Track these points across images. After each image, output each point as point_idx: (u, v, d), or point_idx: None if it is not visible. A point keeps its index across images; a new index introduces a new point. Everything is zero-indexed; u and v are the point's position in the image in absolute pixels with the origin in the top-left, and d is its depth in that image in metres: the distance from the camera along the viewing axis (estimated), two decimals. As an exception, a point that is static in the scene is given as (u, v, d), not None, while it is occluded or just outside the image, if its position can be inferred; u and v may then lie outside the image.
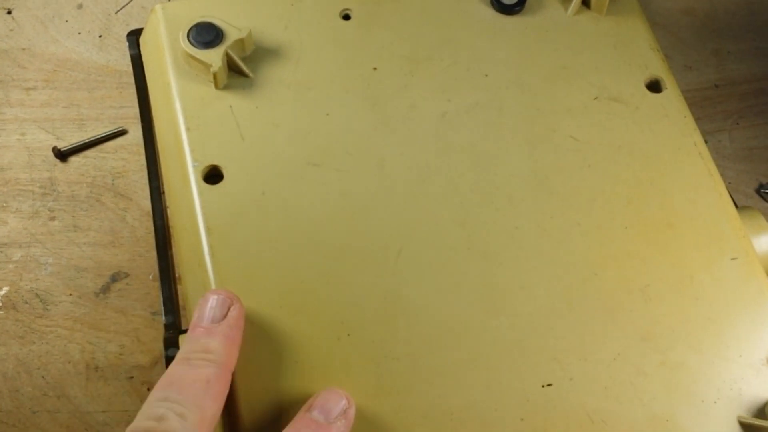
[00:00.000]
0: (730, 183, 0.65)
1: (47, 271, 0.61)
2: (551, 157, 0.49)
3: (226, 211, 0.46)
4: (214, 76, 0.49)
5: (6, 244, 0.62)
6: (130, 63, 0.57)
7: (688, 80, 0.70)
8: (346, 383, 0.43)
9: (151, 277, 0.61)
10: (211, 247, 0.45)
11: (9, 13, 0.72)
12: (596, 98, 0.52)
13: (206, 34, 0.49)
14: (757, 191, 0.65)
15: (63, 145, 0.65)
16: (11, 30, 0.71)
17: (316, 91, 0.50)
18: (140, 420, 0.37)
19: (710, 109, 0.69)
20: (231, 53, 0.49)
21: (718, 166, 0.50)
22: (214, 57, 0.49)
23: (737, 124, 0.68)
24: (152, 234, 0.53)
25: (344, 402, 0.41)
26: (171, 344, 0.44)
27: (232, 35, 0.50)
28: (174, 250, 0.51)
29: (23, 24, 0.71)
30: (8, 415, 0.56)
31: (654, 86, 0.53)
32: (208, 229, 0.46)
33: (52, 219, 0.63)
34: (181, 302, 0.51)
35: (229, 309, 0.42)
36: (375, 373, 0.43)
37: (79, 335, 0.59)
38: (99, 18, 0.71)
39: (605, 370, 0.44)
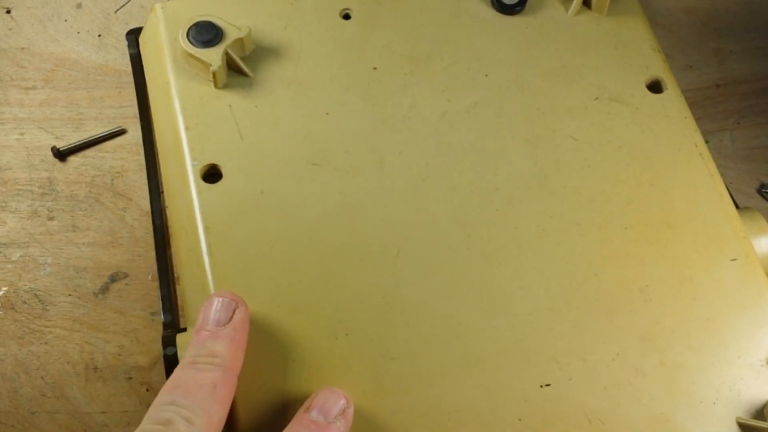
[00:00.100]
0: (731, 183, 0.65)
1: (46, 272, 0.61)
2: (551, 157, 0.49)
3: (224, 210, 0.46)
4: (214, 75, 0.49)
5: (5, 244, 0.62)
6: (129, 62, 0.56)
7: (689, 80, 0.70)
8: (343, 383, 0.43)
9: (150, 278, 0.61)
10: (209, 246, 0.45)
11: (8, 12, 0.71)
12: (596, 98, 0.52)
13: (206, 33, 0.49)
14: (759, 191, 0.65)
15: (62, 144, 0.65)
16: (10, 29, 0.71)
17: (316, 90, 0.50)
18: (146, 424, 0.37)
19: (711, 108, 0.69)
20: (230, 52, 0.49)
21: (719, 165, 0.50)
22: (214, 56, 0.49)
23: (738, 123, 0.68)
24: (151, 234, 0.53)
25: (343, 402, 0.41)
26: (169, 343, 0.44)
27: (231, 34, 0.50)
28: (172, 249, 0.51)
29: (22, 23, 0.71)
30: (7, 416, 0.56)
31: (654, 87, 0.52)
32: (206, 228, 0.46)
33: (51, 219, 0.63)
34: (179, 302, 0.51)
35: (234, 312, 0.42)
36: (373, 372, 0.43)
37: (78, 336, 0.59)
38: (98, 17, 0.71)
39: (604, 371, 0.44)
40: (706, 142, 0.50)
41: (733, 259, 0.47)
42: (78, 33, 0.71)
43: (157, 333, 0.59)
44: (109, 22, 0.71)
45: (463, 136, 0.50)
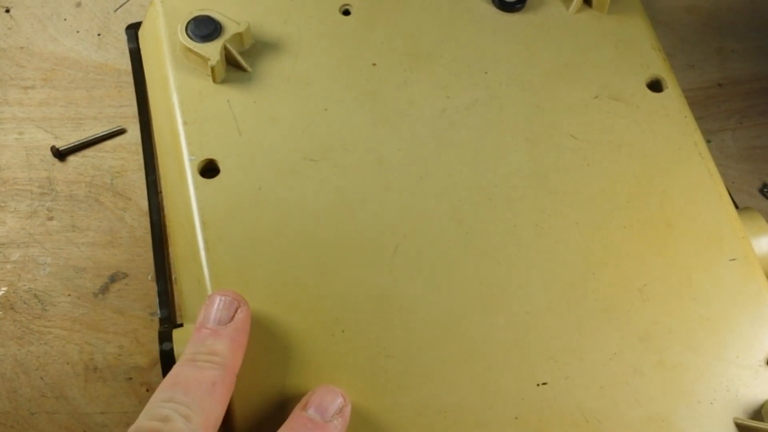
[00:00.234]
0: (733, 182, 0.65)
1: (45, 272, 0.61)
2: (551, 155, 0.49)
3: (221, 205, 0.46)
4: (212, 70, 0.49)
5: (4, 244, 0.62)
6: (129, 62, 0.56)
7: (691, 79, 0.70)
8: (340, 380, 0.42)
9: (150, 278, 0.61)
10: (206, 241, 0.45)
11: (7, 11, 0.71)
12: (597, 97, 0.51)
13: (204, 28, 0.49)
14: (761, 191, 0.64)
15: (61, 144, 0.65)
16: (9, 28, 0.71)
17: (315, 86, 0.50)
18: (144, 420, 0.37)
19: (713, 108, 0.69)
20: (229, 47, 0.49)
21: (721, 165, 0.50)
22: (212, 51, 0.49)
23: (740, 123, 0.68)
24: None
25: (340, 400, 0.41)
26: (165, 338, 0.44)
27: (230, 29, 0.50)
28: (170, 244, 0.51)
29: (21, 22, 0.71)
30: (6, 416, 0.56)
31: (655, 86, 0.52)
32: (203, 224, 0.45)
33: (51, 219, 0.63)
34: (176, 297, 0.51)
35: (236, 311, 0.42)
36: (369, 370, 0.43)
37: (78, 336, 0.58)
38: (98, 16, 0.71)
39: (602, 370, 0.44)
40: (708, 141, 0.50)
41: (733, 259, 0.47)
42: (77, 32, 0.71)
43: (156, 333, 0.59)
44: (109, 21, 0.71)
45: (462, 134, 0.49)
